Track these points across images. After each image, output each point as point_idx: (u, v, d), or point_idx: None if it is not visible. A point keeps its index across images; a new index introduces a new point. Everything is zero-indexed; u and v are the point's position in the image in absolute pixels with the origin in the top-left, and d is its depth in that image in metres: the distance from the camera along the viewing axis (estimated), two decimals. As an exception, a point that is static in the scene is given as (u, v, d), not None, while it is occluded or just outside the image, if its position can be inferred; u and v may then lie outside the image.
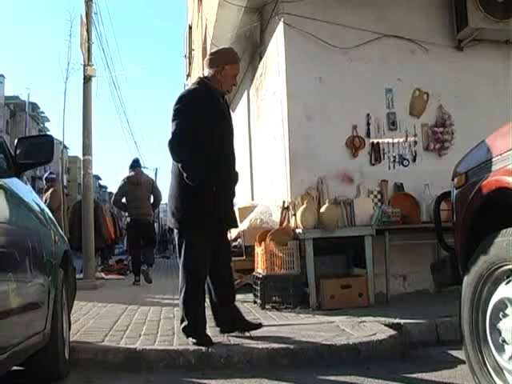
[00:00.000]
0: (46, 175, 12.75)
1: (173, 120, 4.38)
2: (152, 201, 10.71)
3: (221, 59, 4.57)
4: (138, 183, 10.40)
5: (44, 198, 11.23)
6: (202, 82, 4.61)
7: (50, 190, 11.75)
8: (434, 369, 3.74)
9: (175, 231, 4.54)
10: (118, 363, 4.09)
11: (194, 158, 4.31)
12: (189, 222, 4.42)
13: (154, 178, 11.32)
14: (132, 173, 10.59)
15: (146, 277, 10.16)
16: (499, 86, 6.70)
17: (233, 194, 4.72)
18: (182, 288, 4.41)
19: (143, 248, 10.61)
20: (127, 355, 4.12)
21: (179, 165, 4.32)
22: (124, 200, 10.63)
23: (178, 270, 4.54)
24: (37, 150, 3.46)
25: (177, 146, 4.37)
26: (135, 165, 10.75)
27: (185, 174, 4.28)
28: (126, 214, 11.08)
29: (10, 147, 3.49)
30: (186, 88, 4.50)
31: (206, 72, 4.62)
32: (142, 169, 11.81)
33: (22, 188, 3.43)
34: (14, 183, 3.27)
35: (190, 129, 4.33)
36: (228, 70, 4.52)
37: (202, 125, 4.35)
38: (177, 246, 4.55)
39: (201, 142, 4.32)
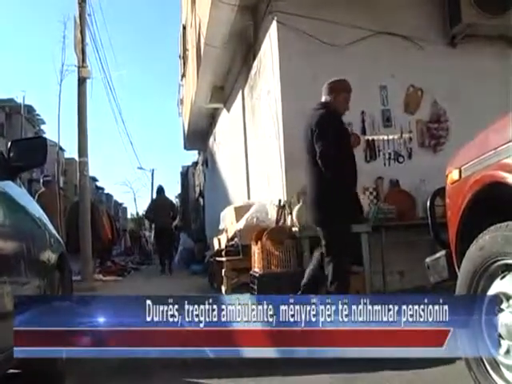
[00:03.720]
0: (42, 179, 12.78)
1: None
2: (171, 215, 14.86)
3: (339, 87, 5.25)
4: (161, 203, 14.55)
5: None
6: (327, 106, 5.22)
7: (39, 192, 11.70)
8: (432, 364, 3.73)
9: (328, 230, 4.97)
10: (116, 364, 4.08)
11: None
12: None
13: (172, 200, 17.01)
14: (158, 196, 15.01)
15: (169, 267, 14.17)
16: (493, 81, 6.69)
17: None
18: None
19: (165, 247, 14.69)
20: (125, 361, 4.10)
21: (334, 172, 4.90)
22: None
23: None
24: (30, 152, 3.44)
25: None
26: (160, 191, 15.04)
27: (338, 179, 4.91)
28: (154, 223, 15.89)
29: (3, 150, 3.47)
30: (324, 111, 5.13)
31: (326, 98, 5.26)
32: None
33: (16, 191, 3.41)
34: (8, 186, 3.26)
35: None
36: (346, 97, 5.20)
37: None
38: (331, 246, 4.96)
39: None
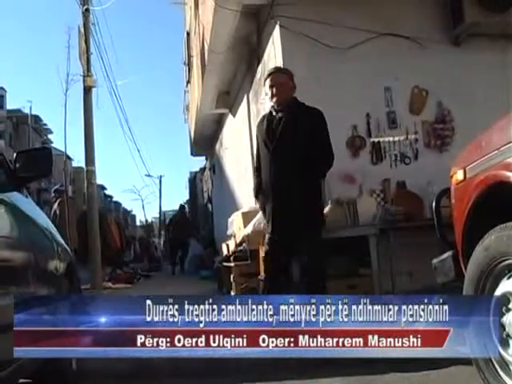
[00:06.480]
0: (55, 187, 12.89)
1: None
2: (186, 229, 18.79)
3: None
4: (179, 219, 19.57)
5: (53, 210, 11.33)
6: None
7: (58, 201, 11.76)
8: (441, 365, 3.72)
9: (311, 234, 4.70)
10: (126, 372, 4.09)
11: None
12: None
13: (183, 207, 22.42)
14: (179, 212, 20.67)
15: (181, 269, 17.83)
16: (497, 80, 6.67)
17: None
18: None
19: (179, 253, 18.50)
20: (136, 364, 4.12)
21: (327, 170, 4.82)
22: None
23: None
24: (36, 162, 3.46)
25: None
26: (181, 209, 21.19)
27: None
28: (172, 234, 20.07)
29: (10, 161, 3.50)
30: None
31: None
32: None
33: (22, 202, 3.44)
34: (15, 197, 3.29)
35: None
36: (265, 88, 4.89)
37: None
38: (316, 250, 4.73)
39: None
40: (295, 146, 4.61)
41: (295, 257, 4.83)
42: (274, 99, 4.74)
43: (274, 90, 4.73)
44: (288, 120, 4.69)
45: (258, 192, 4.90)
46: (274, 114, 4.78)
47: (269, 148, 4.71)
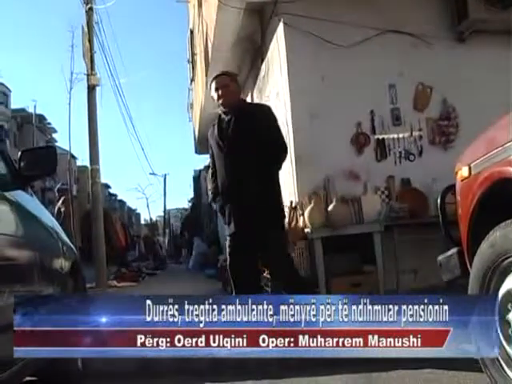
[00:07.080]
0: (58, 186, 12.96)
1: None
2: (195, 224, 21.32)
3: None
4: (192, 218, 20.17)
5: (57, 207, 11.38)
6: None
7: (62, 199, 11.80)
8: (441, 365, 3.71)
9: (276, 232, 4.73)
10: (129, 372, 4.09)
11: None
12: None
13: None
14: (190, 212, 21.76)
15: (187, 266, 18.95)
16: (502, 77, 6.64)
17: None
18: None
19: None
20: (138, 363, 4.12)
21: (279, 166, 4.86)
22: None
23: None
24: (40, 161, 3.47)
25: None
26: (192, 208, 20.94)
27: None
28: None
29: (15, 160, 3.51)
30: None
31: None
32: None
33: (27, 200, 3.44)
34: (20, 196, 3.29)
35: None
36: (211, 92, 4.93)
37: None
38: (281, 247, 4.82)
39: None
40: (248, 144, 4.67)
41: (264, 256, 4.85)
42: (221, 101, 4.83)
43: (220, 91, 4.82)
44: (237, 119, 4.76)
45: (216, 196, 4.92)
46: (223, 116, 4.88)
47: (222, 149, 4.80)
